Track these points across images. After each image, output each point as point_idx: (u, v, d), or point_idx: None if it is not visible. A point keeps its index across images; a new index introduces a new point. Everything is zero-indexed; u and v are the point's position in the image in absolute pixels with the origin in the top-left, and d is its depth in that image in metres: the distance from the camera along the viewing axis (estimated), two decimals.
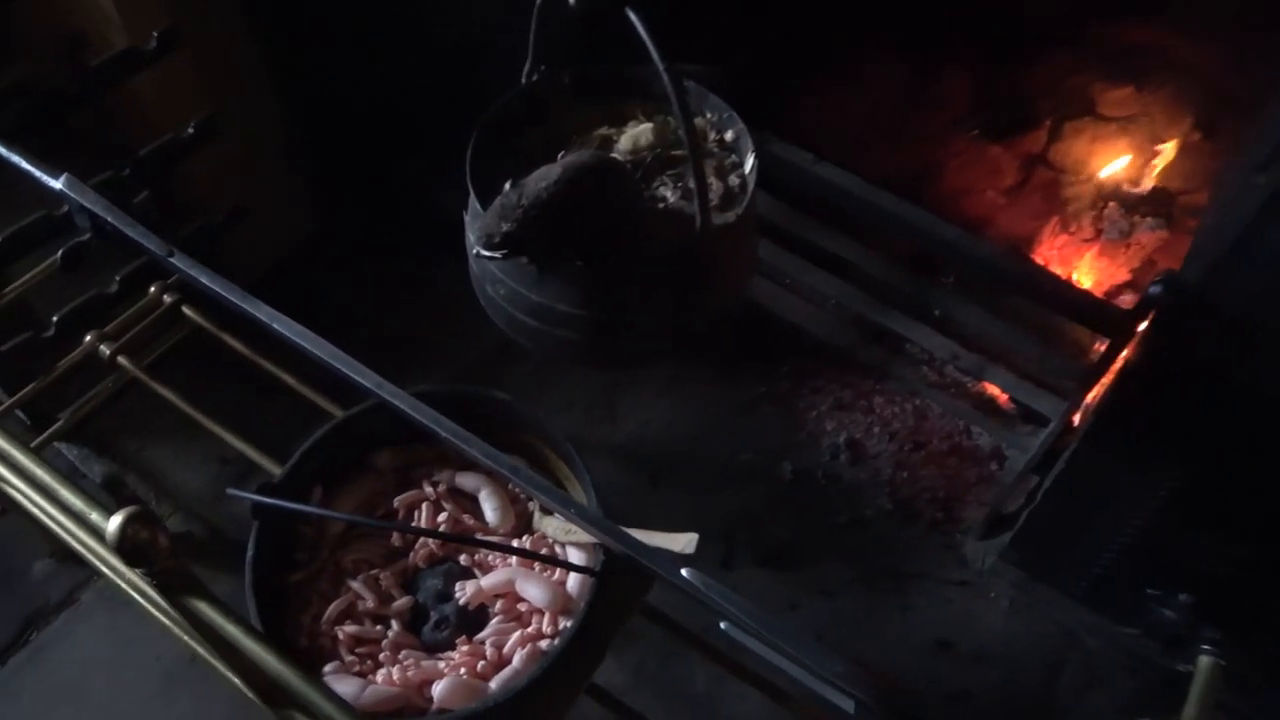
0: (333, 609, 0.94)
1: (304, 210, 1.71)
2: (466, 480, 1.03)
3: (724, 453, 1.53)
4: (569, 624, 0.93)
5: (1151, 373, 0.96)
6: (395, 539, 1.00)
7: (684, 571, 0.62)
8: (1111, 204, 1.34)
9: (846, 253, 1.16)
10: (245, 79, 1.51)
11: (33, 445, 1.18)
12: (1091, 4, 1.20)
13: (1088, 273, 1.47)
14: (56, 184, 0.77)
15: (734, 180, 0.81)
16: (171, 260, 0.73)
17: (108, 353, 1.28)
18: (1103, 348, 1.09)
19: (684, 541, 0.81)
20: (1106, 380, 1.06)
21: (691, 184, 0.82)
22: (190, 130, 1.32)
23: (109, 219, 0.72)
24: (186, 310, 1.34)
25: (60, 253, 1.11)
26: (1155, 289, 0.84)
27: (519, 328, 0.80)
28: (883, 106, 1.37)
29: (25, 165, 0.81)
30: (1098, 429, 1.08)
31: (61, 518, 0.81)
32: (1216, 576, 1.12)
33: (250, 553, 0.94)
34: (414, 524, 1.01)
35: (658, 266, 0.74)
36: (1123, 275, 1.34)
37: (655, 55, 0.63)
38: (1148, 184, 1.33)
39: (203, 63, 1.36)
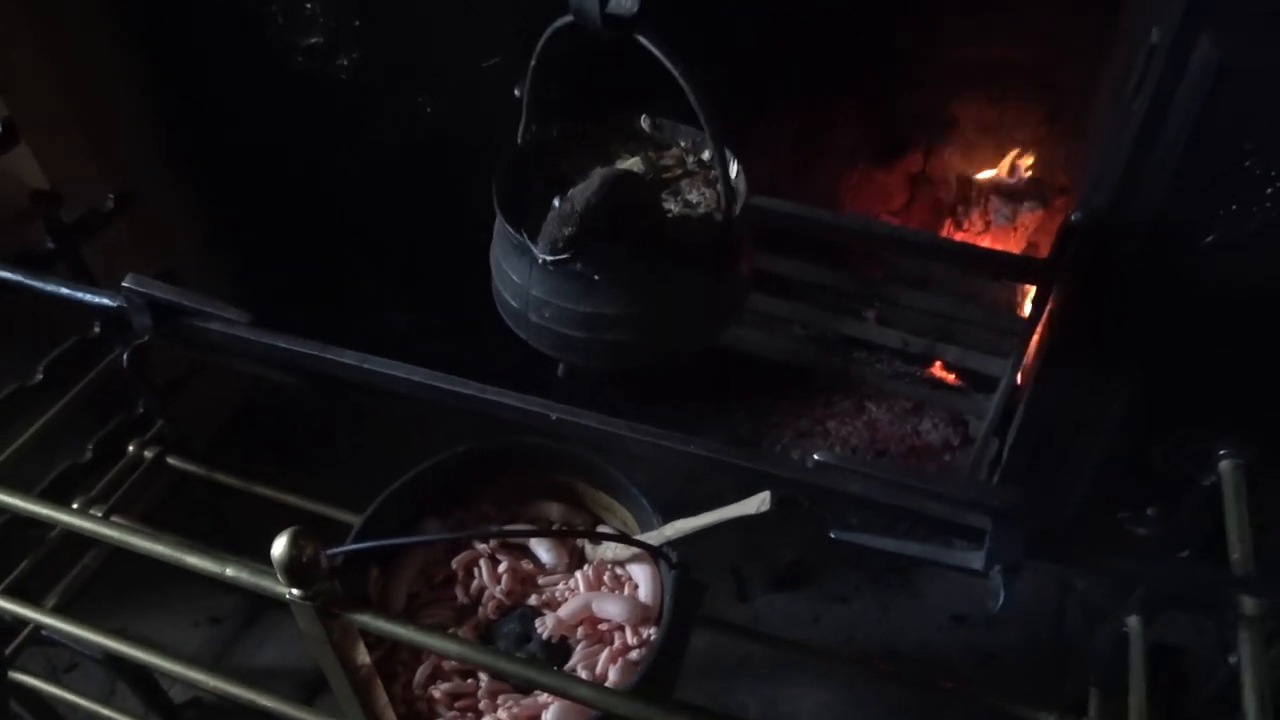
0: (421, 672, 0.95)
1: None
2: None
3: (707, 498, 1.60)
4: (652, 630, 0.98)
5: (1085, 298, 1.12)
6: (460, 596, 1.02)
7: (817, 455, 0.70)
8: (993, 197, 1.56)
9: (791, 272, 1.30)
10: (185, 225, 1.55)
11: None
12: (941, 32, 1.43)
13: None
14: (115, 296, 0.81)
15: (720, 189, 0.94)
16: (249, 330, 0.78)
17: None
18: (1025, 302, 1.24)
19: (757, 502, 0.88)
20: (1043, 323, 1.21)
21: (689, 196, 0.95)
22: None
23: (183, 301, 0.76)
24: (172, 460, 1.33)
25: (125, 354, 0.99)
26: (1075, 217, 1.00)
27: (569, 345, 0.87)
28: (781, 157, 1.55)
29: (71, 290, 0.85)
30: (1047, 366, 1.22)
31: None
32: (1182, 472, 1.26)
33: None
34: (475, 581, 1.03)
35: (695, 254, 0.84)
36: (1017, 251, 1.54)
37: (678, 74, 0.75)
38: (1018, 175, 1.55)
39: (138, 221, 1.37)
